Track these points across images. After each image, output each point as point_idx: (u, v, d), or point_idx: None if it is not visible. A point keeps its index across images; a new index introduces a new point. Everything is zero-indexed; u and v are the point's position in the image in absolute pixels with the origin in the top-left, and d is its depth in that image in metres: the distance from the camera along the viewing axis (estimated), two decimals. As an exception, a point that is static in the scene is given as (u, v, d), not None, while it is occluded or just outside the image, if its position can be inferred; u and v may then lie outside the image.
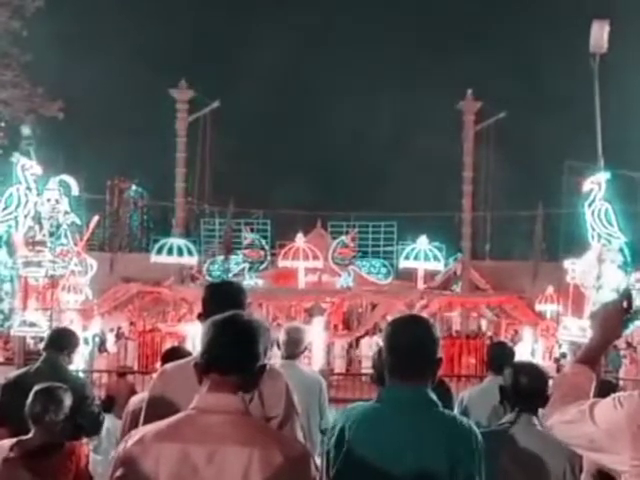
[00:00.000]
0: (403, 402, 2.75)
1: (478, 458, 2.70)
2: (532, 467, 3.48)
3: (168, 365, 3.40)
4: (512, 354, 5.96)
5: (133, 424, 3.81)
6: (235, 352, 2.30)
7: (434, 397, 2.79)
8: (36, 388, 4.10)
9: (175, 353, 4.50)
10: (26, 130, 13.27)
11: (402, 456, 2.66)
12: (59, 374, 4.85)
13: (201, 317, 3.57)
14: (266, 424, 2.60)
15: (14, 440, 4.04)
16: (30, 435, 4.04)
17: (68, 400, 4.12)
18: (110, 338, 22.78)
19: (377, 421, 2.76)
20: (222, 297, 3.47)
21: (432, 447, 2.66)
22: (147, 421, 2.82)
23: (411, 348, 2.78)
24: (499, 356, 5.89)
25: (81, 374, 13.66)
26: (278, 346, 5.61)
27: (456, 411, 5.00)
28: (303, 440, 3.27)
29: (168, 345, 20.85)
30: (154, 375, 3.52)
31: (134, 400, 4.74)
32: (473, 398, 5.41)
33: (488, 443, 2.80)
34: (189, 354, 4.17)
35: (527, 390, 3.61)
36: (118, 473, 2.19)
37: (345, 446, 2.76)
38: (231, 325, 2.36)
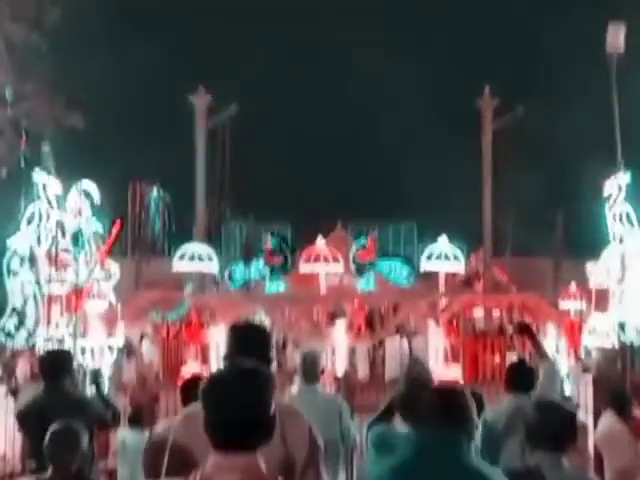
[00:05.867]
0: (436, 456, 2.79)
1: None
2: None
3: (191, 409, 3.42)
4: (532, 373, 5.97)
5: (156, 456, 3.86)
6: (241, 424, 2.25)
7: (466, 449, 2.82)
8: (53, 428, 4.16)
9: (196, 386, 4.50)
10: (46, 147, 13.42)
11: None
12: (61, 402, 4.93)
13: (226, 358, 3.63)
14: None
15: (33, 478, 4.13)
16: (49, 474, 4.11)
17: (85, 439, 4.19)
18: (146, 344, 23.04)
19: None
20: (245, 341, 3.52)
21: None
22: (170, 468, 2.86)
23: (445, 415, 2.87)
24: (519, 375, 5.92)
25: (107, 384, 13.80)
26: (295, 373, 5.69)
27: (480, 431, 5.03)
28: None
29: (191, 351, 21.11)
30: (177, 418, 3.54)
31: (157, 430, 4.78)
32: (495, 419, 5.44)
33: None
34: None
35: (554, 431, 3.58)
36: None
37: None
38: (229, 394, 2.29)
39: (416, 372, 4.34)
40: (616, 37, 12.62)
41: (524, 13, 36.29)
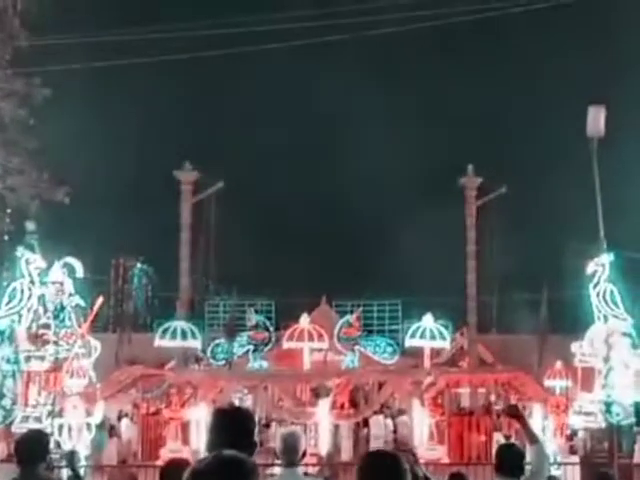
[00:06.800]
0: None
1: None
2: None
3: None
4: (522, 457, 5.90)
5: None
6: None
7: None
8: None
9: (176, 472, 4.37)
10: (30, 225, 13.43)
11: None
12: None
13: (209, 445, 3.53)
14: None
15: None
16: None
17: None
18: (125, 422, 22.63)
19: None
20: (228, 428, 3.43)
21: None
22: None
23: None
24: (509, 460, 5.84)
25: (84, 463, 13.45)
26: (276, 455, 5.57)
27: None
28: None
29: (172, 429, 20.67)
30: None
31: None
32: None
33: None
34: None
35: None
36: None
37: None
38: None
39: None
40: (597, 120, 12.90)
41: (509, 96, 37.20)
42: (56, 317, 16.37)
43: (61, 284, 17.19)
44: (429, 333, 22.40)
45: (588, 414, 14.67)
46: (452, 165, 27.83)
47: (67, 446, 15.03)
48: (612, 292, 12.59)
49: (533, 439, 5.84)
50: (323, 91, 36.14)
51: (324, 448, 19.46)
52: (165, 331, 21.73)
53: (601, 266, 12.73)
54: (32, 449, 5.19)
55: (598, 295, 12.66)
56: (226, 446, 2.71)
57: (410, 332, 22.68)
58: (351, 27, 25.50)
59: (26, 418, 11.99)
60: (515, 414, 6.23)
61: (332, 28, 25.45)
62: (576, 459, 17.77)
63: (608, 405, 14.32)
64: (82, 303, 19.47)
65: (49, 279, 16.36)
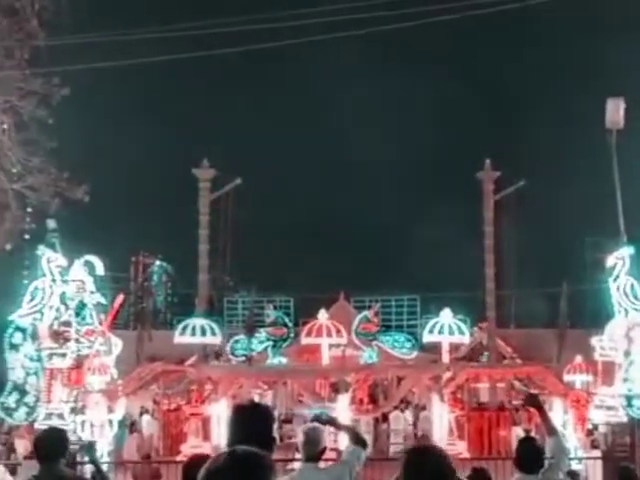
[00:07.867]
0: None
1: None
2: None
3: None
4: (541, 452, 5.87)
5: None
6: None
7: None
8: None
9: (199, 467, 4.40)
10: (51, 223, 13.55)
11: None
12: None
13: (229, 440, 3.57)
14: None
15: None
16: None
17: None
18: (146, 418, 22.80)
19: None
20: (248, 424, 3.47)
21: None
22: None
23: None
24: (528, 454, 5.82)
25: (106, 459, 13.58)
26: (298, 450, 5.61)
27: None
28: None
29: (192, 425, 20.78)
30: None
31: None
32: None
33: None
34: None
35: None
36: None
37: None
38: None
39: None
40: (615, 112, 12.83)
41: (526, 89, 37.12)
42: (77, 315, 16.53)
43: (82, 282, 17.35)
44: (448, 328, 22.33)
45: (609, 408, 14.63)
46: (470, 159, 27.76)
47: (86, 439, 15.18)
48: (632, 285, 12.55)
49: (551, 431, 5.81)
50: (338, 88, 36.24)
51: (343, 443, 19.48)
52: (185, 328, 21.85)
53: (621, 259, 12.68)
54: (51, 446, 5.24)
55: (618, 289, 12.62)
56: (245, 442, 2.74)
57: (428, 327, 22.63)
58: (364, 21, 25.46)
59: (49, 415, 12.17)
60: (535, 404, 6.21)
61: (346, 23, 25.41)
62: (597, 453, 17.69)
63: (629, 399, 14.25)
64: (103, 301, 19.63)
65: (70, 277, 16.52)
